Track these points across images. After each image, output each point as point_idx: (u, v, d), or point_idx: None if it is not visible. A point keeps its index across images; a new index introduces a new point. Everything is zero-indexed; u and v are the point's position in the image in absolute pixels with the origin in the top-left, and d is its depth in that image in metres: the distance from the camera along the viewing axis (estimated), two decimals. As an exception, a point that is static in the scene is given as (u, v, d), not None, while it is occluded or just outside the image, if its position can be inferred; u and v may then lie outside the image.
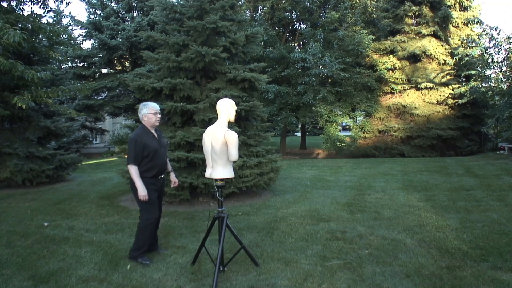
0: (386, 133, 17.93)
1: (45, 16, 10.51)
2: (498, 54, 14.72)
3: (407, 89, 17.72)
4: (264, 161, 6.74)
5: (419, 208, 5.78)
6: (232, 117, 3.39)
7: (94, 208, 6.19)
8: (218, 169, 3.31)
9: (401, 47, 17.69)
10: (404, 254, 3.83)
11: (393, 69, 18.06)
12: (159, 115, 3.76)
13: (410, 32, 17.75)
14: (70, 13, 30.18)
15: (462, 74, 16.27)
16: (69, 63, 17.60)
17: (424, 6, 17.48)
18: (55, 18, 15.85)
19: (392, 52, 18.07)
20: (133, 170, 3.58)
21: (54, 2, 16.16)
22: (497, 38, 14.30)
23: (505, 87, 14.78)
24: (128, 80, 6.91)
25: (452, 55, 16.70)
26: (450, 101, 16.89)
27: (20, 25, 7.68)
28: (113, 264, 3.70)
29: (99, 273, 3.47)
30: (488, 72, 15.63)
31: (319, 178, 9.16)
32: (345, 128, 29.76)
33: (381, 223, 4.99)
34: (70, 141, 16.83)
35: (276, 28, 19.46)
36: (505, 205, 5.86)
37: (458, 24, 17.83)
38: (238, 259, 3.65)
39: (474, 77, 15.45)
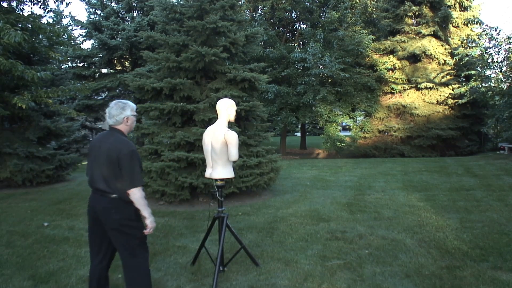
0: (386, 133, 17.91)
1: (45, 16, 10.51)
2: (498, 54, 14.73)
3: (407, 89, 17.70)
4: (264, 161, 6.74)
5: (419, 208, 5.78)
6: (232, 117, 3.39)
7: (94, 208, 6.18)
8: (218, 169, 3.31)
9: (401, 47, 17.67)
10: (404, 254, 3.83)
11: (393, 69, 18.05)
12: None
13: (410, 32, 17.73)
14: (70, 13, 30.21)
15: (462, 74, 16.25)
16: (69, 63, 17.58)
17: (424, 6, 17.47)
18: (55, 18, 15.84)
19: (392, 52, 18.06)
20: (142, 195, 2.54)
21: (54, 2, 16.15)
22: (497, 38, 14.29)
23: (505, 87, 14.76)
24: (128, 80, 6.91)
25: (452, 55, 16.69)
26: (450, 101, 16.88)
27: (20, 25, 7.67)
28: (113, 264, 3.69)
29: (99, 273, 3.47)
30: (488, 72, 15.62)
31: (319, 178, 9.16)
32: (345, 128, 29.76)
33: (381, 223, 4.99)
34: (70, 141, 16.80)
35: (276, 28, 19.45)
36: (505, 205, 5.86)
37: (458, 24, 17.82)
38: (238, 259, 3.66)
39: (474, 77, 15.42)
